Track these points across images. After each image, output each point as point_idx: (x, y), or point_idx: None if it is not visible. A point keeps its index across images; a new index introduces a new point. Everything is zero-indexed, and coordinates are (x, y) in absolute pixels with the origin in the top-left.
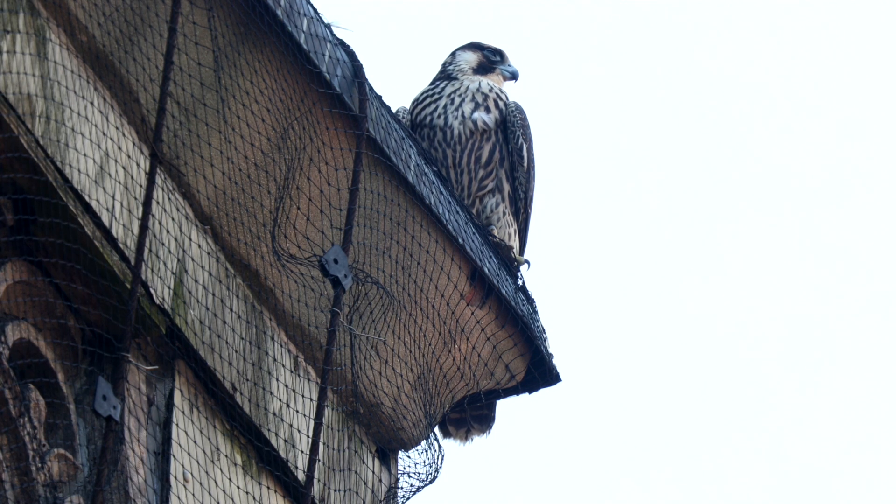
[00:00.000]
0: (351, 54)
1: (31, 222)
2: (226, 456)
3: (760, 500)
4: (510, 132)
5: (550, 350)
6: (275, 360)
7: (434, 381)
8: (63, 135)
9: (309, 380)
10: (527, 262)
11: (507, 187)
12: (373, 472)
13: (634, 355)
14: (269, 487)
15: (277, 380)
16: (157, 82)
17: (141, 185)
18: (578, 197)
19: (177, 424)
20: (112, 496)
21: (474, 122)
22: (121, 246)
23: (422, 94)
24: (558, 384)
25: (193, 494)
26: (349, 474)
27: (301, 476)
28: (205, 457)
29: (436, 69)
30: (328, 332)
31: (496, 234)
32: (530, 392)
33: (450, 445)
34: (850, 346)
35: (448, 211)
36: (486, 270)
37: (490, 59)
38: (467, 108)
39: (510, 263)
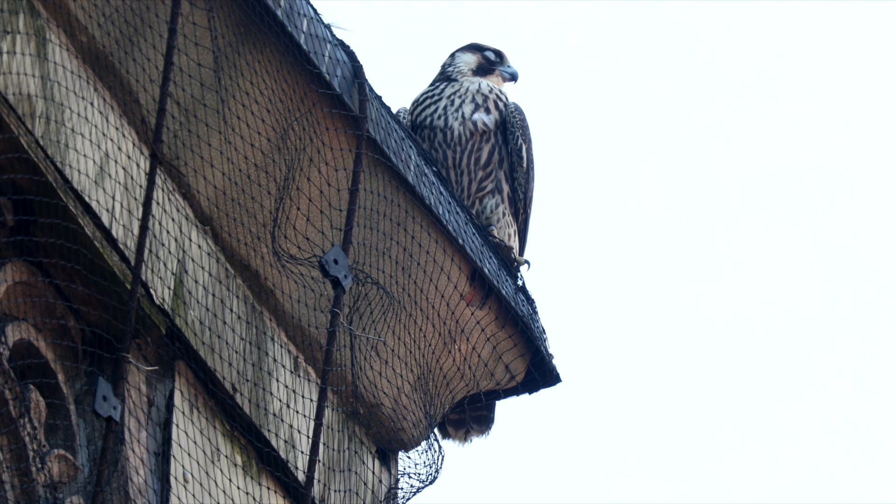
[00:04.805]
0: (351, 55)
1: (31, 223)
2: (226, 456)
3: (760, 500)
4: (509, 133)
5: (550, 350)
6: (275, 360)
7: (434, 382)
8: (63, 135)
9: (309, 380)
10: (527, 262)
11: (506, 188)
12: (373, 473)
13: (634, 355)
14: (269, 488)
15: (277, 380)
16: (157, 83)
17: (141, 186)
18: (578, 197)
19: (177, 425)
20: (112, 497)
21: (474, 124)
22: (121, 246)
23: (421, 95)
24: (558, 384)
25: (193, 495)
26: (349, 475)
27: (301, 477)
28: (205, 457)
29: (436, 70)
30: (328, 332)
31: (496, 234)
32: (530, 392)
33: (449, 446)
34: (850, 346)
35: (448, 211)
36: (486, 271)
37: (489, 61)
38: (467, 109)
39: (510, 264)
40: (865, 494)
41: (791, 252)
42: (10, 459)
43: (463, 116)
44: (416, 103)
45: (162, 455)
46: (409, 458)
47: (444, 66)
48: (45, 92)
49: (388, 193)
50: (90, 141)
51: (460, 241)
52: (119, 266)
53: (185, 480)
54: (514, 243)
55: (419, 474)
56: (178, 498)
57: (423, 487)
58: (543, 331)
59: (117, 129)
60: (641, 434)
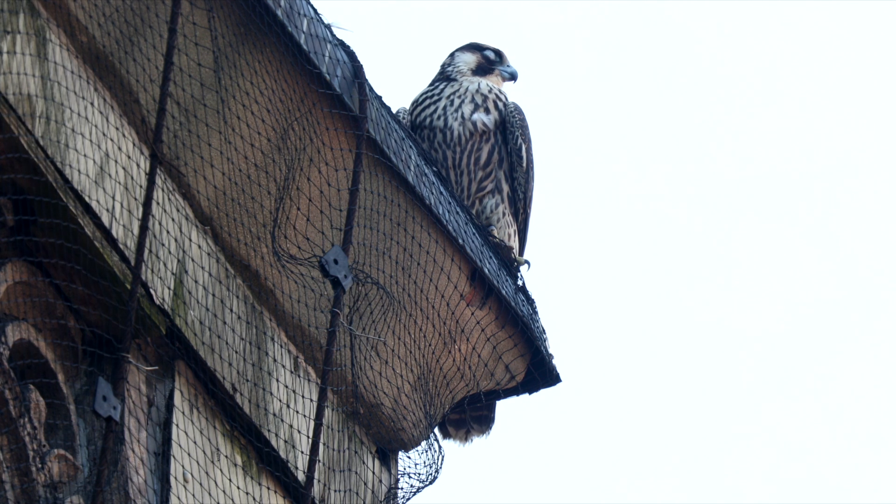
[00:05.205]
0: (351, 55)
1: (31, 223)
2: (226, 456)
3: (760, 500)
4: (509, 133)
5: (550, 350)
6: (275, 360)
7: (434, 382)
8: (63, 135)
9: (309, 380)
10: (527, 262)
11: (506, 188)
12: (373, 473)
13: (634, 355)
14: (269, 488)
15: (277, 380)
16: (157, 83)
17: (141, 186)
18: (578, 197)
19: (177, 425)
20: (112, 497)
21: (474, 124)
22: (121, 246)
23: (421, 95)
24: (558, 384)
25: (193, 495)
26: (349, 475)
27: (301, 476)
28: (205, 457)
29: (436, 70)
30: (328, 332)
31: (496, 234)
32: (530, 392)
33: (449, 446)
34: (850, 345)
35: (448, 211)
36: (486, 271)
37: (489, 60)
38: (467, 109)
39: (510, 264)
40: (865, 494)
41: (791, 252)
42: (10, 459)
43: (462, 116)
44: (416, 103)
45: (162, 455)
46: (409, 458)
47: (443, 66)
48: (45, 92)
49: (388, 193)
50: (90, 141)
51: (460, 241)
52: (119, 266)
53: (185, 480)
54: (514, 243)
55: (419, 474)
56: (178, 498)
57: (423, 487)
58: (543, 331)
59: (117, 129)
60: (641, 434)
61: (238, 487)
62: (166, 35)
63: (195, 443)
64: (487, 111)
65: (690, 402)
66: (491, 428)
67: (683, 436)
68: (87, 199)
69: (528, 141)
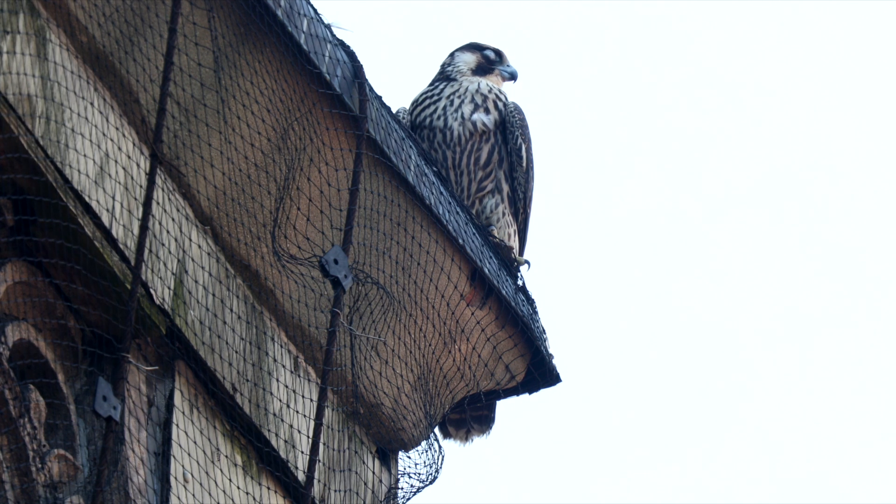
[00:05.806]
0: (351, 55)
1: (31, 223)
2: (226, 456)
3: (760, 500)
4: (509, 133)
5: (550, 350)
6: (275, 360)
7: (434, 382)
8: (63, 135)
9: (309, 380)
10: (527, 262)
11: (506, 188)
12: (373, 473)
13: (634, 355)
14: (269, 488)
15: (277, 380)
16: (157, 83)
17: (141, 186)
18: (578, 197)
19: (177, 425)
20: (112, 497)
21: (474, 124)
22: (121, 246)
23: (421, 95)
24: (558, 384)
25: (193, 495)
26: (349, 475)
27: (301, 476)
28: (205, 457)
29: (436, 70)
30: (328, 332)
31: (496, 234)
32: (530, 392)
33: (450, 446)
34: (850, 345)
35: (448, 211)
36: (486, 271)
37: (489, 60)
38: (467, 109)
39: (510, 264)
40: (865, 494)
41: (789, 253)
42: (10, 459)
43: (462, 117)
44: (416, 103)
45: (162, 455)
46: (409, 457)
47: (443, 66)
48: (45, 92)
49: (388, 193)
50: (90, 141)
51: (460, 241)
52: (119, 266)
53: (185, 480)
54: (514, 243)
55: (419, 474)
56: (178, 498)
57: (423, 487)
58: (543, 331)
59: (117, 128)
60: (641, 434)
61: (238, 487)
62: (166, 35)
63: (195, 443)
64: (487, 111)
65: (690, 402)
66: (491, 428)
67: (683, 435)
68: (87, 199)
69: (528, 141)
